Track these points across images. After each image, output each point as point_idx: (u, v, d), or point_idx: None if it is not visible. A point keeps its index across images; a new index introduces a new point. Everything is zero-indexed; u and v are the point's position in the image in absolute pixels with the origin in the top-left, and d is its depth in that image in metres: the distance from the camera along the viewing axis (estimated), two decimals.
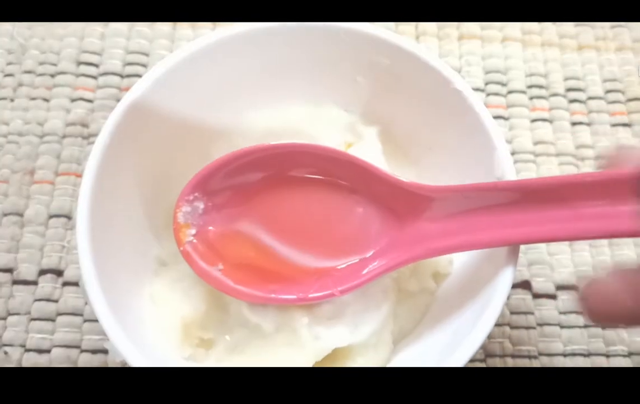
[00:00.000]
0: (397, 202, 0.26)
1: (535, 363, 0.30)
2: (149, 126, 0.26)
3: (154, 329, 0.25)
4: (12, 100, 0.35)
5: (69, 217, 0.32)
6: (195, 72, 0.27)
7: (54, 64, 0.36)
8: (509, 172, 0.25)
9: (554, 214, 0.23)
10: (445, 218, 0.25)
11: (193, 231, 0.26)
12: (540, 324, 0.31)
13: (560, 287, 0.32)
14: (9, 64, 0.36)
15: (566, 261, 0.32)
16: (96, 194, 0.24)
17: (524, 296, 0.32)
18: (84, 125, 0.34)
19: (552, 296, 0.32)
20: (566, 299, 0.32)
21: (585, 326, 0.31)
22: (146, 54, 0.37)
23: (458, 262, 0.29)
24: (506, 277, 0.23)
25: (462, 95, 0.26)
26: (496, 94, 0.36)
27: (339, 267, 0.27)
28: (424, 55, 0.27)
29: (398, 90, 0.28)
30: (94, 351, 0.30)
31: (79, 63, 0.36)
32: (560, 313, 0.31)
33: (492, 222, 0.24)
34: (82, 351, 0.30)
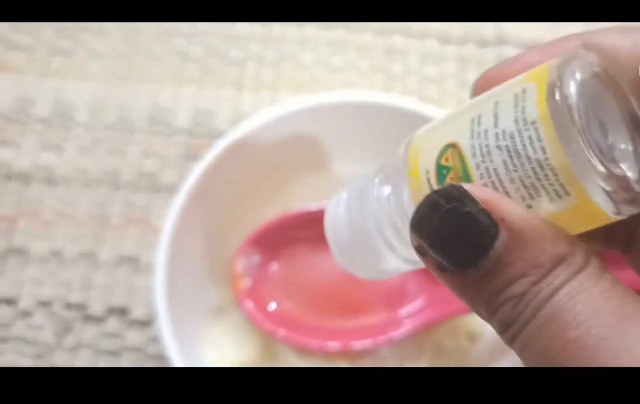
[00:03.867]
0: None
1: None
2: (217, 188, 0.30)
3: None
4: (92, 152, 0.39)
5: (137, 261, 0.36)
6: (257, 144, 0.31)
7: (131, 120, 0.40)
8: None
9: None
10: None
11: (249, 281, 0.29)
12: None
13: None
14: (92, 120, 0.40)
15: None
16: (171, 246, 0.27)
17: None
18: (155, 177, 0.38)
19: None
20: None
21: None
22: (212, 114, 0.40)
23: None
24: None
25: None
26: None
27: (379, 321, 0.29)
28: None
29: None
30: None
31: (154, 121, 0.40)
32: None
33: None
34: None
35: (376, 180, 0.17)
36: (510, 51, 0.42)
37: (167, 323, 0.26)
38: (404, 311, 0.29)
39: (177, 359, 0.25)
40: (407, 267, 0.17)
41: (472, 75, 0.40)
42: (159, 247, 0.27)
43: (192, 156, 0.39)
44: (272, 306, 0.29)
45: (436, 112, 0.30)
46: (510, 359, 0.27)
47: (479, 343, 0.30)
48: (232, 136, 0.29)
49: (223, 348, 0.29)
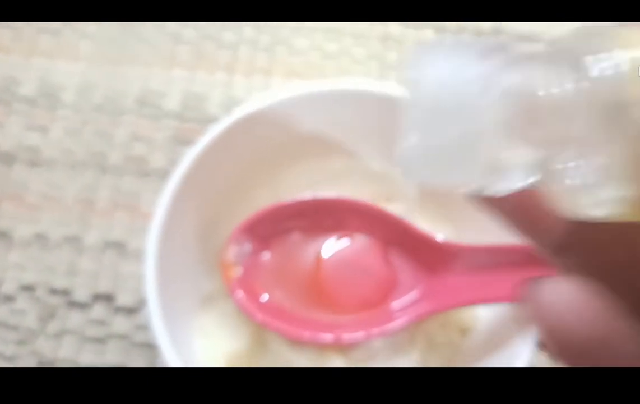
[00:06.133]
0: (428, 257, 0.29)
1: None
2: (209, 174, 0.29)
3: (203, 360, 0.27)
4: (79, 134, 0.38)
5: (123, 246, 0.35)
6: (251, 129, 0.30)
7: (119, 102, 0.39)
8: None
9: None
10: (473, 273, 0.28)
11: (240, 270, 0.29)
12: None
13: None
14: (79, 100, 0.39)
15: None
16: (163, 232, 0.26)
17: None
18: (144, 161, 0.37)
19: None
20: None
21: None
22: (204, 98, 0.40)
23: (483, 318, 0.30)
24: (528, 337, 0.25)
25: None
26: None
27: (372, 313, 0.29)
28: None
29: None
30: None
31: (142, 103, 0.39)
32: None
33: (516, 280, 0.26)
34: None
35: (498, 59, 0.13)
36: None
37: (157, 311, 0.25)
38: (397, 303, 0.29)
39: (167, 348, 0.24)
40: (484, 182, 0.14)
41: None
42: (150, 233, 0.26)
43: (182, 140, 0.38)
44: (264, 296, 0.29)
45: None
46: (502, 355, 0.27)
47: (471, 337, 0.30)
48: (226, 121, 0.29)
49: (213, 337, 0.29)
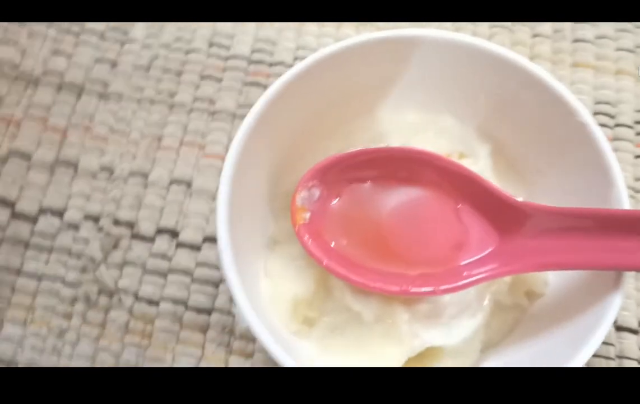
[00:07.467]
0: (502, 216, 0.28)
1: None
2: (283, 118, 0.28)
3: (268, 301, 0.27)
4: (147, 69, 0.38)
5: (189, 184, 0.35)
6: (325, 74, 0.29)
7: (188, 42, 0.39)
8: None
9: None
10: (548, 237, 0.26)
11: (308, 215, 0.28)
12: (620, 357, 0.32)
13: None
14: (148, 37, 0.39)
15: None
16: (234, 175, 0.26)
17: None
18: (211, 102, 0.37)
19: (635, 331, 0.32)
20: None
21: None
22: (273, 43, 0.39)
23: (554, 284, 0.29)
24: (612, 305, 0.24)
25: (586, 129, 0.27)
26: (603, 125, 0.37)
27: (440, 270, 0.28)
28: (553, 84, 0.28)
29: (518, 113, 0.29)
30: (199, 311, 0.32)
31: (211, 44, 0.39)
32: None
33: (597, 246, 0.25)
34: (188, 308, 0.32)
35: None
36: None
37: (227, 247, 0.25)
38: (467, 262, 0.28)
39: (236, 286, 0.24)
40: None
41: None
42: (223, 169, 0.26)
43: (251, 83, 0.37)
44: (331, 242, 0.28)
45: (519, 59, 0.28)
46: (570, 328, 0.26)
47: (539, 303, 0.29)
48: (300, 65, 0.28)
49: (278, 279, 0.28)
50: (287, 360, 0.23)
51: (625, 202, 0.26)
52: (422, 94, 0.31)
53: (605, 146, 0.27)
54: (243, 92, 0.37)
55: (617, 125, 0.37)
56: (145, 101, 0.37)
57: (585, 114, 0.27)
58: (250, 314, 0.23)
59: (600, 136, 0.27)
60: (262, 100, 0.27)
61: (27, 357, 0.32)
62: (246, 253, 0.27)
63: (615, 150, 0.36)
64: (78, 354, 0.32)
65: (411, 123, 0.31)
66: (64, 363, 0.32)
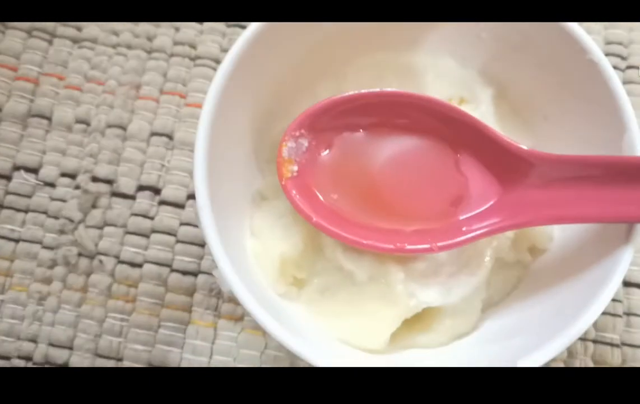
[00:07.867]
0: (505, 166, 0.26)
1: (617, 352, 0.30)
2: (265, 62, 0.26)
3: (254, 262, 0.26)
4: None
5: (170, 137, 0.33)
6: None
7: None
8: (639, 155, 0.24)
9: None
10: (554, 187, 0.24)
11: (295, 168, 0.26)
12: (627, 314, 0.30)
13: None
14: None
15: None
16: (213, 123, 0.24)
17: None
18: (192, 46, 0.34)
19: None
20: None
21: None
22: None
23: (558, 239, 0.28)
24: (622, 260, 0.22)
25: (597, 68, 0.25)
26: (614, 67, 0.34)
27: (437, 224, 0.26)
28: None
29: (523, 52, 0.27)
30: (184, 272, 0.30)
31: None
32: None
33: (607, 197, 0.23)
34: (172, 270, 0.31)
35: None
36: None
37: (206, 205, 0.23)
38: (467, 216, 0.26)
39: (216, 246, 0.22)
40: None
41: None
42: (199, 123, 0.23)
43: (234, 24, 0.35)
44: (321, 197, 0.26)
45: None
46: (576, 286, 0.24)
47: (543, 259, 0.28)
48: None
49: (265, 238, 0.26)
50: (273, 325, 0.22)
51: (638, 148, 0.24)
52: (419, 34, 0.28)
53: (618, 87, 0.24)
54: (226, 36, 0.34)
55: (629, 67, 0.34)
56: (121, 46, 0.34)
57: (597, 52, 0.25)
58: (232, 277, 0.22)
59: (613, 75, 0.24)
60: (241, 39, 0.25)
61: (7, 325, 0.30)
62: (229, 210, 0.25)
63: (628, 94, 0.34)
64: (60, 321, 0.30)
65: (408, 65, 0.29)
66: (45, 330, 0.30)
